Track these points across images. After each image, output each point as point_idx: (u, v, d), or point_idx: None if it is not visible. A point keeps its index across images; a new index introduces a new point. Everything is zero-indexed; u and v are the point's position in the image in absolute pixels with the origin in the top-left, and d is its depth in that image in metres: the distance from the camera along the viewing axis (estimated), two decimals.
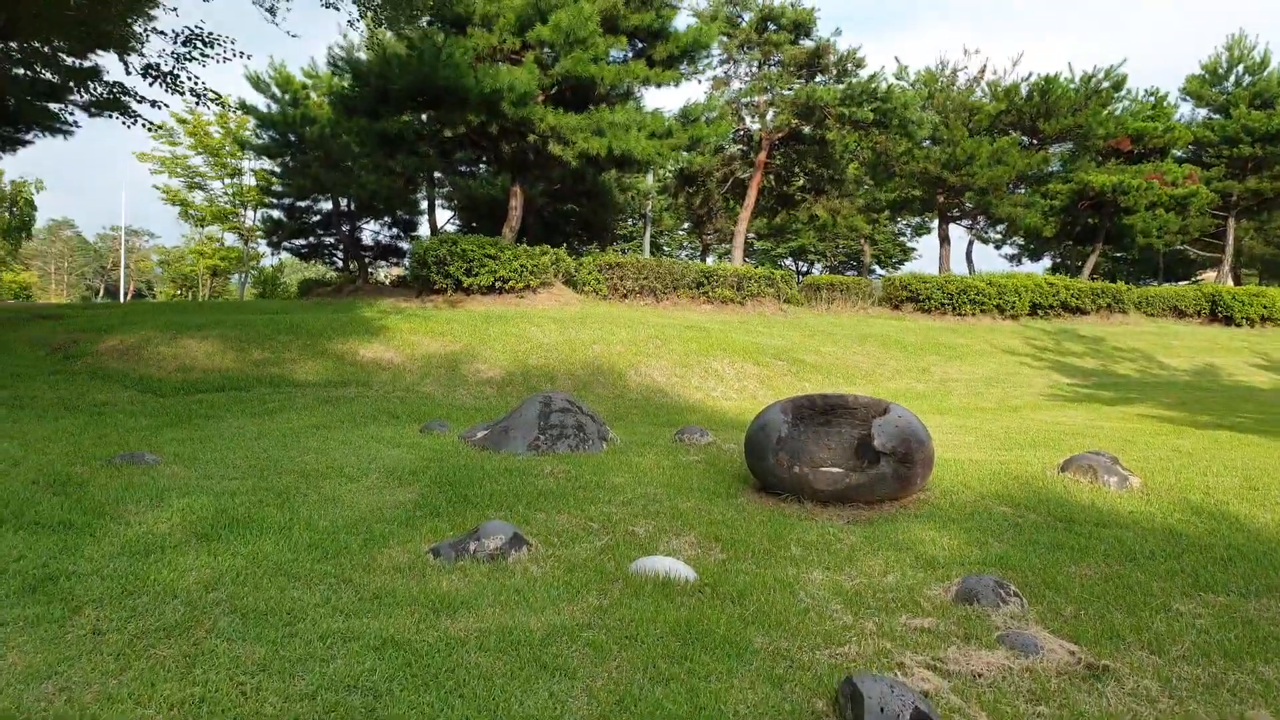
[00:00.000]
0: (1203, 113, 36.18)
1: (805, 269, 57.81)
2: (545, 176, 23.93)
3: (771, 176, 25.96)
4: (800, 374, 14.13)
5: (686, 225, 50.77)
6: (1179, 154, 34.76)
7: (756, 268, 21.76)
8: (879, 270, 55.36)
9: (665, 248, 55.13)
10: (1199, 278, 49.10)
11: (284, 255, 38.45)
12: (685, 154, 17.66)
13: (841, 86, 20.80)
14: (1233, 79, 35.17)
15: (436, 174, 31.80)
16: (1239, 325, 28.75)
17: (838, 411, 6.63)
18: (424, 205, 32.91)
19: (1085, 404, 13.86)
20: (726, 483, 6.59)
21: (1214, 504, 5.96)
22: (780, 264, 53.58)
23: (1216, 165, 33.78)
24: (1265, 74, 34.10)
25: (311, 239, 33.55)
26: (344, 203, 29.67)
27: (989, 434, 9.88)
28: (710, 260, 41.23)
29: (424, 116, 16.44)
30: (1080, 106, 26.72)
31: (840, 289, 23.16)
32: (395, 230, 35.28)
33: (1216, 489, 6.38)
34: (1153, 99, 32.74)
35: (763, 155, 23.32)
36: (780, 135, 23.46)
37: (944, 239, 30.61)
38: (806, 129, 22.66)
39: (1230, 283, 35.31)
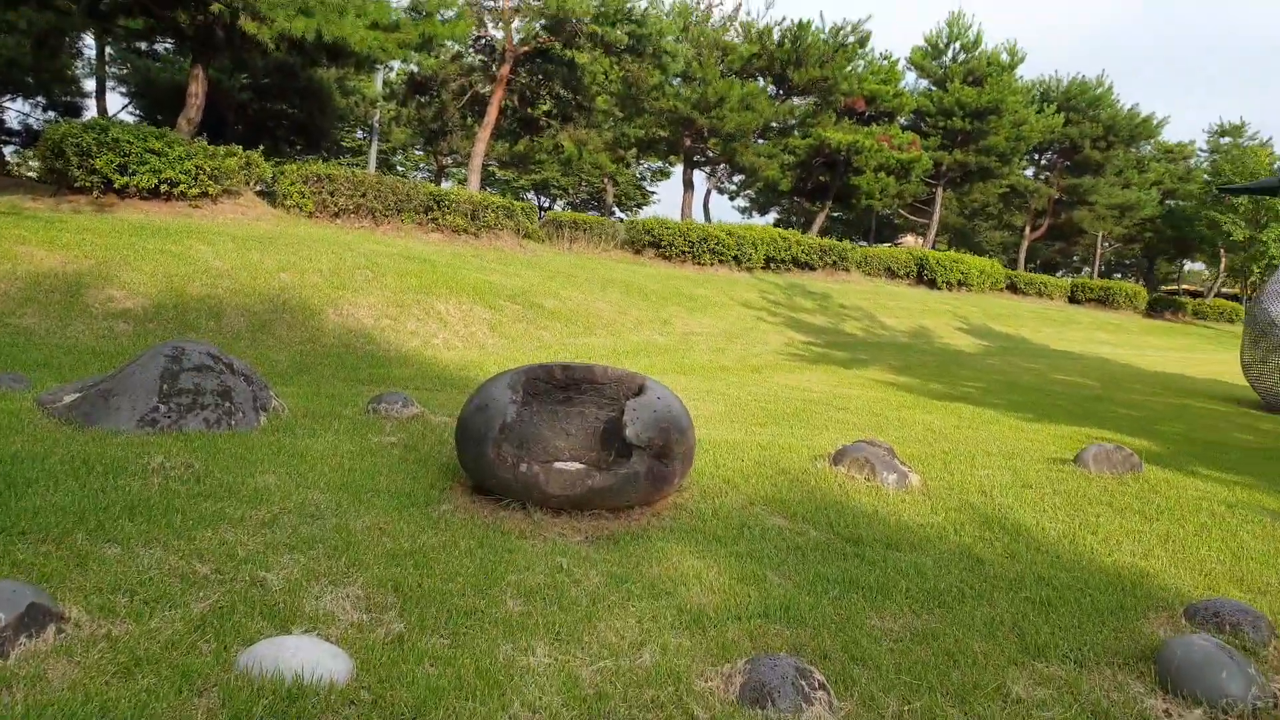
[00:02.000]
0: (924, 84, 38.85)
1: (548, 205, 56.38)
2: (243, 63, 20.30)
3: (515, 96, 23.99)
4: (537, 320, 12.66)
5: (422, 145, 47.28)
6: (903, 121, 37.09)
7: (495, 196, 19.90)
8: (619, 213, 55.19)
9: (400, 168, 51.23)
10: (899, 241, 53.79)
11: None
12: (415, 54, 15.30)
13: (595, 2, 19.23)
14: (950, 54, 37.95)
15: (109, 50, 26.50)
16: (940, 288, 31.24)
17: (582, 387, 5.20)
18: (92, 87, 27.50)
19: (823, 366, 13.69)
20: (429, 479, 4.97)
21: (997, 509, 5.27)
22: (522, 196, 51.71)
23: (933, 135, 36.41)
24: (977, 53, 37.08)
25: None
26: None
27: (739, 402, 9.02)
28: (447, 185, 38.49)
29: None
30: (828, 58, 27.21)
31: (584, 228, 21.94)
32: (53, 114, 29.42)
33: (993, 487, 5.75)
34: (886, 63, 34.43)
35: (506, 69, 21.27)
36: (526, 50, 21.51)
37: (688, 184, 30.36)
38: (556, 46, 20.88)
39: (931, 248, 38.48)
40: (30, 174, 25.12)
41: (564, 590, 3.64)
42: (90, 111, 28.50)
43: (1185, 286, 66.41)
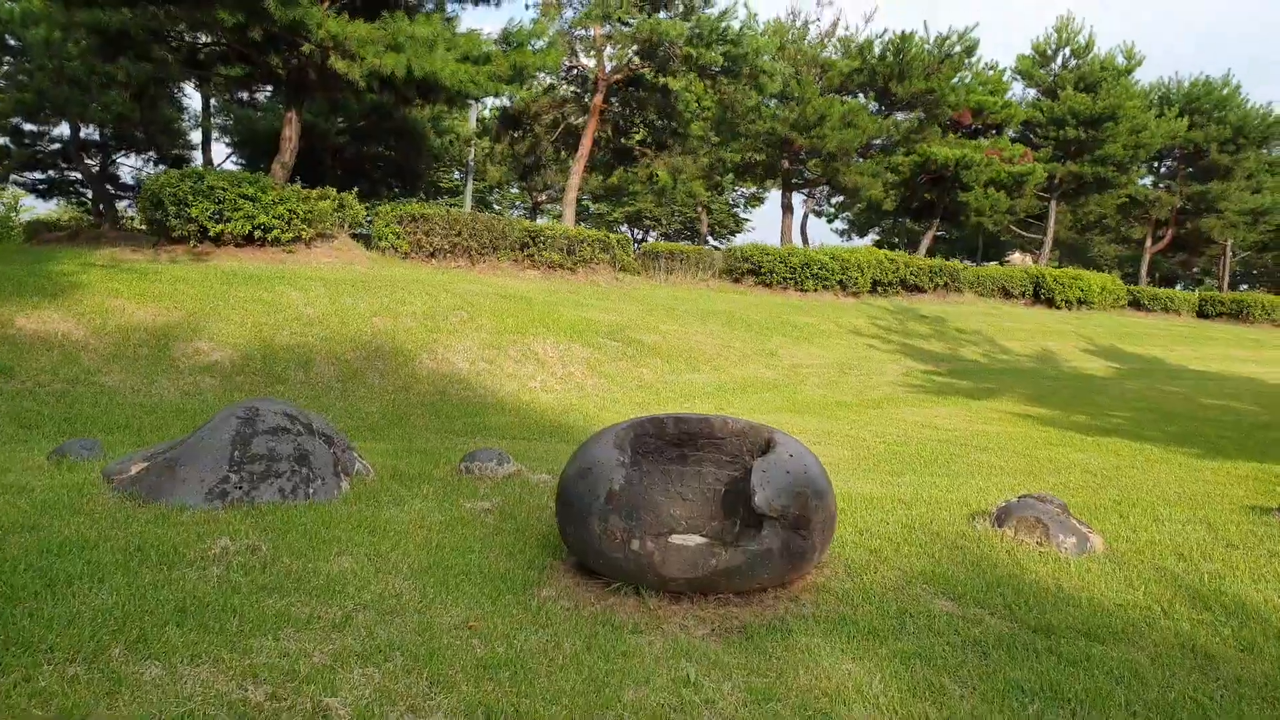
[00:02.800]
0: (1032, 93, 36.98)
1: (641, 237, 56.23)
2: (337, 105, 20.57)
3: (608, 126, 23.67)
4: (637, 357, 12.03)
5: (517, 182, 47.80)
6: (1011, 134, 35.34)
7: (590, 230, 19.52)
8: (713, 242, 54.58)
9: (496, 207, 51.93)
10: (1007, 259, 51.28)
11: (14, 190, 32.64)
12: (507, 86, 15.07)
13: (689, 24, 18.73)
14: (1059, 61, 36.04)
15: (213, 102, 27.48)
16: (1059, 308, 29.43)
17: (698, 442, 4.47)
18: (199, 139, 28.54)
19: (949, 398, 12.60)
20: (527, 554, 4.31)
21: (1206, 580, 4.29)
22: (615, 229, 51.64)
23: (1044, 146, 34.53)
24: (1089, 58, 35.10)
25: (52, 172, 28.52)
26: (89, 129, 24.93)
27: (866, 446, 8.12)
28: (542, 221, 38.58)
29: (163, 12, 12.94)
30: (934, 70, 26.00)
31: (680, 258, 21.34)
32: (164, 168, 30.59)
33: (1190, 549, 4.76)
34: (991, 72, 32.91)
35: (599, 99, 20.95)
36: (619, 78, 21.16)
37: (787, 208, 29.48)
38: (649, 72, 20.44)
39: (1045, 265, 36.32)
40: (141, 227, 26.15)
41: (695, 714, 2.90)
42: (198, 163, 29.59)
43: None
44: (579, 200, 30.80)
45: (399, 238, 15.93)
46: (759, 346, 14.68)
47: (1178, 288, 51.96)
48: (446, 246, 16.54)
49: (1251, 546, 4.87)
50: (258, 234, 13.04)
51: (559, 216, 29.32)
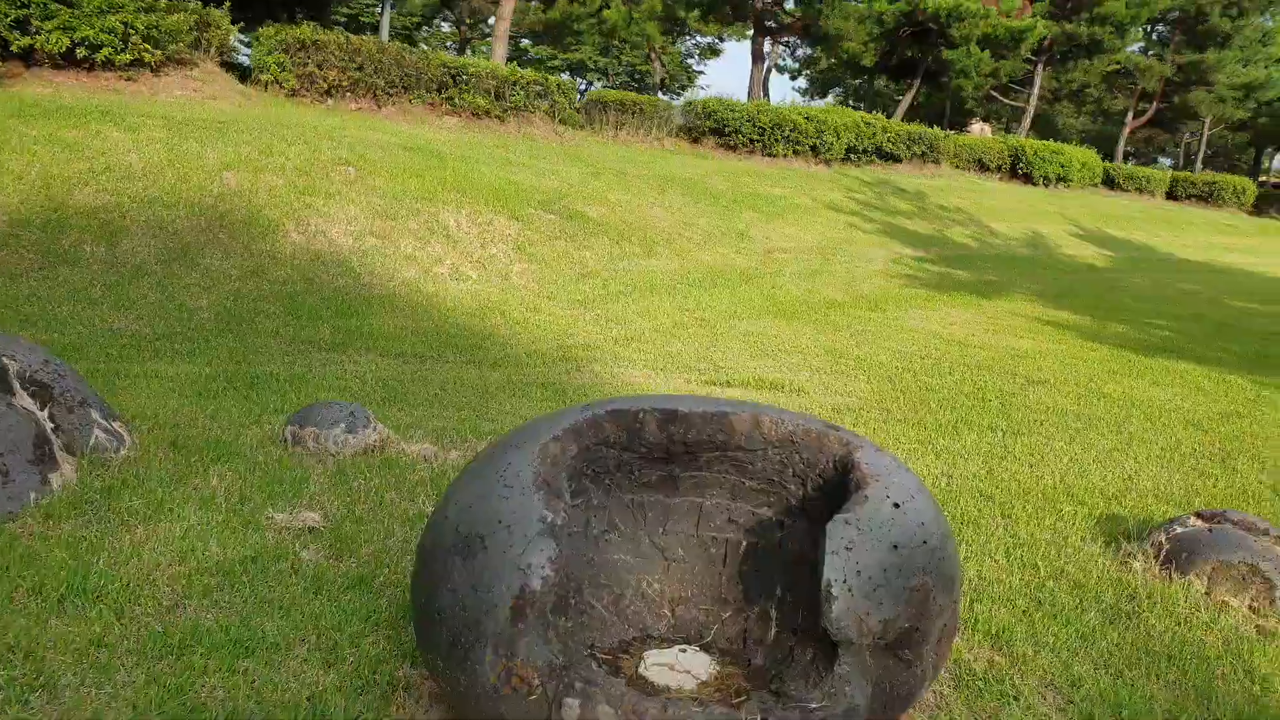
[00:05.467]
0: None
1: (585, 87, 52.34)
2: None
3: None
4: (578, 236, 9.81)
5: (445, 17, 43.55)
6: None
7: (526, 70, 16.72)
8: (665, 97, 51.12)
9: (424, 46, 47.46)
10: (968, 128, 49.05)
11: None
12: None
13: None
14: None
15: None
16: (1037, 184, 27.65)
17: (701, 457, 2.40)
18: None
19: (953, 295, 10.73)
20: (364, 656, 2.31)
21: None
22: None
23: (1039, 1, 31.95)
24: None
25: None
26: None
27: (888, 376, 6.20)
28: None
29: None
30: None
31: (632, 110, 18.67)
32: None
33: None
34: None
35: None
36: None
37: (757, 57, 26.63)
38: None
39: (1024, 136, 34.38)
40: None
41: None
42: None
43: (1273, 179, 61.36)
44: (517, 41, 27.48)
45: (284, 69, 13.08)
46: (726, 225, 12.52)
47: (1129, 164, 50.80)
48: (345, 83, 13.76)
49: None
50: (82, 52, 10.21)
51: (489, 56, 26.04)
